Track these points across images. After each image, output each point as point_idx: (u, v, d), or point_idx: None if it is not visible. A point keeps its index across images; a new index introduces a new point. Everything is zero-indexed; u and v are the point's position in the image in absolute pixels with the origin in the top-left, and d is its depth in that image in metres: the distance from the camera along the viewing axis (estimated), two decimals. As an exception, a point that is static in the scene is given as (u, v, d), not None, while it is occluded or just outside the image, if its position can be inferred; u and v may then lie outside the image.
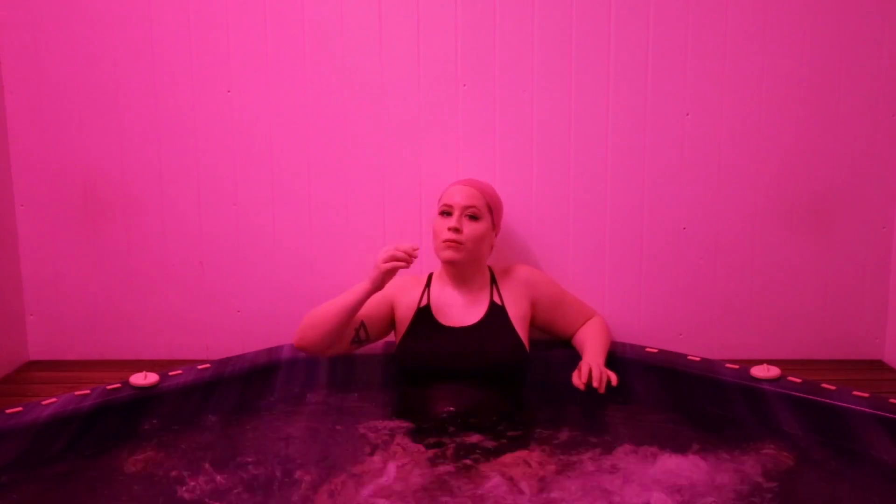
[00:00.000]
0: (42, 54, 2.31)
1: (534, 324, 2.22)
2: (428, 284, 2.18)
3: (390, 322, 2.19)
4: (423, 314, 2.13)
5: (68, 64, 2.31)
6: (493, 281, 2.17)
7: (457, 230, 2.06)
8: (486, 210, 2.12)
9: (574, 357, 2.14)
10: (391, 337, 2.21)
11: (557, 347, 2.26)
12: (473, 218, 2.09)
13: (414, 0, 2.28)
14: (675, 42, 2.28)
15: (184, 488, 1.74)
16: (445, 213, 2.10)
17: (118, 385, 2.01)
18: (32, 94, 2.32)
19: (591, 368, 2.02)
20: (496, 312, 2.12)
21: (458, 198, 2.09)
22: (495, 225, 2.17)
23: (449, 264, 2.11)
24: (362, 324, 2.16)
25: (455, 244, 2.07)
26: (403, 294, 2.17)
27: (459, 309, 2.13)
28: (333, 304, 2.05)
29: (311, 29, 2.30)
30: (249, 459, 1.85)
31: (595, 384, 2.00)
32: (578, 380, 2.02)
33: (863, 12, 2.26)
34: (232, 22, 2.30)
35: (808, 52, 2.29)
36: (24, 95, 2.32)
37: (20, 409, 1.87)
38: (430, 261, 2.23)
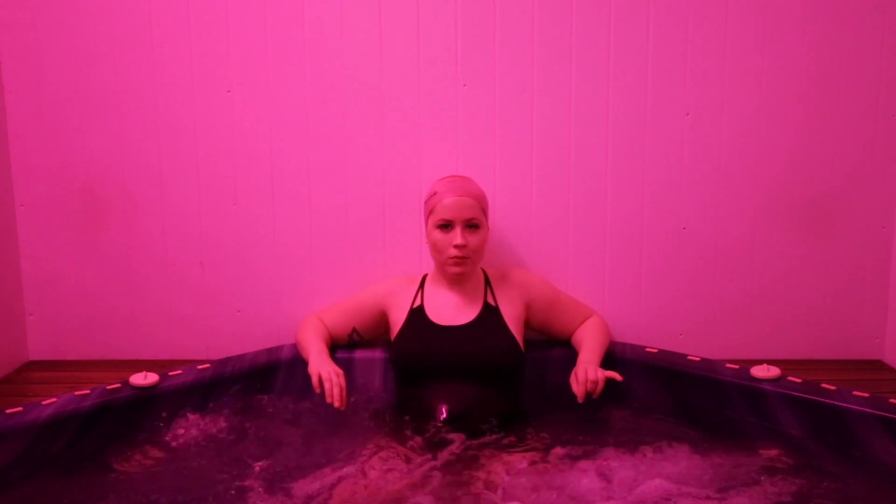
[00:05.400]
0: (42, 54, 2.31)
1: (530, 325, 2.22)
2: (421, 286, 2.18)
3: (383, 324, 2.22)
4: (417, 314, 2.13)
5: (68, 64, 2.31)
6: (487, 283, 2.17)
7: (464, 247, 2.06)
8: (482, 214, 2.12)
9: (572, 356, 2.14)
10: (389, 338, 2.21)
11: (555, 347, 2.26)
12: (474, 227, 2.09)
13: (414, 0, 2.28)
14: (675, 42, 2.28)
15: (184, 488, 1.75)
16: (445, 226, 2.08)
17: (118, 385, 2.01)
18: (32, 94, 2.32)
19: (587, 375, 1.96)
20: (490, 312, 2.12)
21: (457, 211, 2.07)
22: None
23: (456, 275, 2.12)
24: (354, 329, 2.21)
25: (462, 259, 2.07)
26: (396, 297, 2.18)
27: (453, 309, 2.13)
28: (304, 344, 2.15)
29: (311, 29, 2.30)
30: (249, 459, 1.85)
31: (589, 389, 1.95)
32: (577, 387, 1.97)
33: (863, 12, 2.26)
34: (232, 22, 2.30)
35: (808, 52, 2.29)
36: (24, 95, 2.32)
37: (20, 409, 1.87)
38: (425, 262, 2.23)
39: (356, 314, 2.22)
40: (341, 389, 1.96)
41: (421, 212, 2.32)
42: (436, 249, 2.10)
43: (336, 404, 1.95)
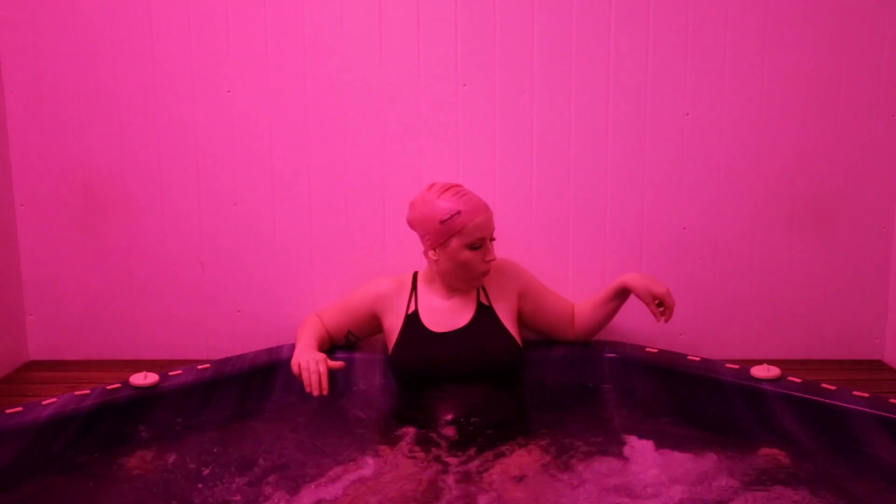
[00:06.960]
0: (42, 54, 2.31)
1: (522, 319, 2.20)
2: (414, 287, 2.17)
3: (377, 325, 2.20)
4: (413, 321, 2.11)
5: (68, 64, 2.31)
6: None
7: (494, 259, 2.07)
8: None
9: (572, 356, 2.14)
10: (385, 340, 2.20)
11: (555, 347, 2.26)
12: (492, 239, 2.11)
13: (414, 0, 2.28)
14: (675, 42, 2.29)
15: (184, 488, 1.74)
16: (477, 247, 2.04)
17: (118, 385, 2.01)
18: (32, 94, 2.32)
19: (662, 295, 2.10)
20: (485, 313, 2.12)
21: (487, 229, 2.05)
22: None
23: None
24: (349, 331, 2.20)
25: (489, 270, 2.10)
26: (389, 301, 2.16)
27: (448, 313, 2.11)
28: (296, 341, 2.14)
29: (311, 29, 2.30)
30: (249, 460, 1.85)
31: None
32: (667, 312, 2.11)
33: (863, 12, 2.27)
34: (232, 22, 2.30)
35: (808, 52, 2.29)
36: (24, 95, 2.32)
37: (20, 409, 1.87)
38: (425, 262, 2.23)
39: (349, 316, 2.21)
40: (319, 376, 1.93)
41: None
42: (464, 269, 2.05)
43: (315, 393, 1.93)
